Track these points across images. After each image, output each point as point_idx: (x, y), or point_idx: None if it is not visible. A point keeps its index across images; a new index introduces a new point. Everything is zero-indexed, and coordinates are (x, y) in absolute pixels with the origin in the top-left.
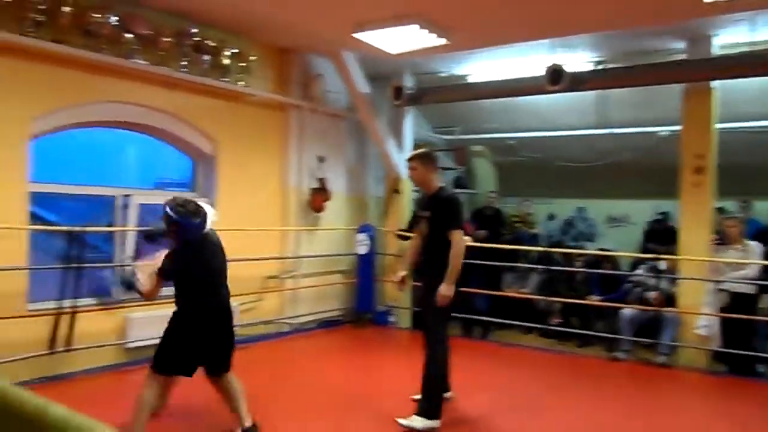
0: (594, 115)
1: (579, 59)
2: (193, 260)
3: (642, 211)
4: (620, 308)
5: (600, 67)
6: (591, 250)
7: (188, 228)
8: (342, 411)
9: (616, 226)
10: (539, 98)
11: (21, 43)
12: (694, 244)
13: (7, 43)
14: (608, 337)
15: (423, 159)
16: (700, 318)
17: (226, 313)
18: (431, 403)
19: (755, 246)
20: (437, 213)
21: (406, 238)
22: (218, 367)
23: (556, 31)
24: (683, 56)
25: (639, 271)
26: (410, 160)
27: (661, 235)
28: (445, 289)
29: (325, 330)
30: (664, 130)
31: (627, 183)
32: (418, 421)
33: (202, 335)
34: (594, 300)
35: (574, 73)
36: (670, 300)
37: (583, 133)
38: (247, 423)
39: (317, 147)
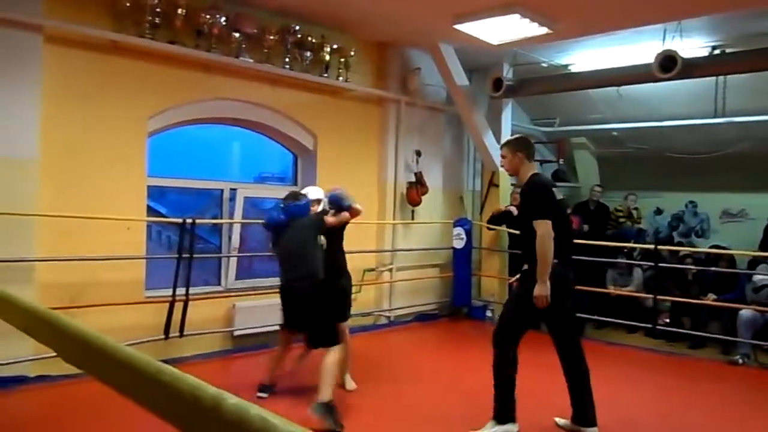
0: (709, 103)
1: (693, 44)
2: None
3: (763, 205)
4: (738, 309)
5: (717, 52)
6: (702, 247)
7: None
8: (436, 403)
9: (732, 221)
10: (647, 87)
11: (140, 45)
12: None
13: (128, 44)
14: (723, 339)
15: (513, 145)
16: None
17: (298, 291)
18: (498, 405)
19: None
20: (525, 203)
21: (493, 228)
22: (309, 341)
23: (669, 15)
24: None
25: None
26: (501, 147)
27: None
28: (538, 289)
29: (421, 323)
30: None
31: (745, 175)
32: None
33: (283, 306)
34: (710, 300)
35: (688, 59)
36: None
37: (696, 122)
38: (323, 398)
39: (415, 141)
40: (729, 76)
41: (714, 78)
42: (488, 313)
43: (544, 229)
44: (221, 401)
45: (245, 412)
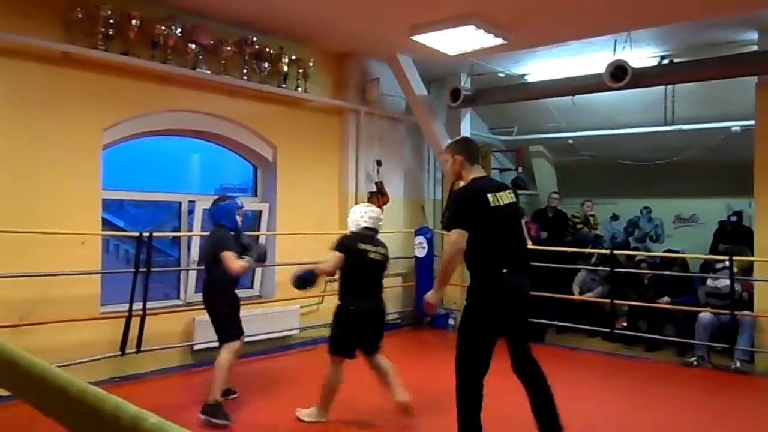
0: (659, 112)
1: (642, 54)
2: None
3: (711, 210)
4: (692, 312)
5: (665, 62)
6: (657, 252)
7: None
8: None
9: (684, 226)
10: (600, 96)
11: (92, 56)
12: None
13: (80, 56)
14: (679, 341)
15: (452, 148)
16: None
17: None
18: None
19: None
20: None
21: None
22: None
23: (619, 26)
24: (756, 48)
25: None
26: (444, 151)
27: (733, 236)
28: (429, 295)
29: (384, 333)
30: (736, 125)
31: (695, 181)
32: None
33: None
34: (665, 303)
35: (638, 69)
36: (745, 303)
37: (648, 130)
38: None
39: (375, 150)
40: (677, 86)
41: (663, 87)
42: (450, 321)
43: (453, 238)
44: (141, 421)
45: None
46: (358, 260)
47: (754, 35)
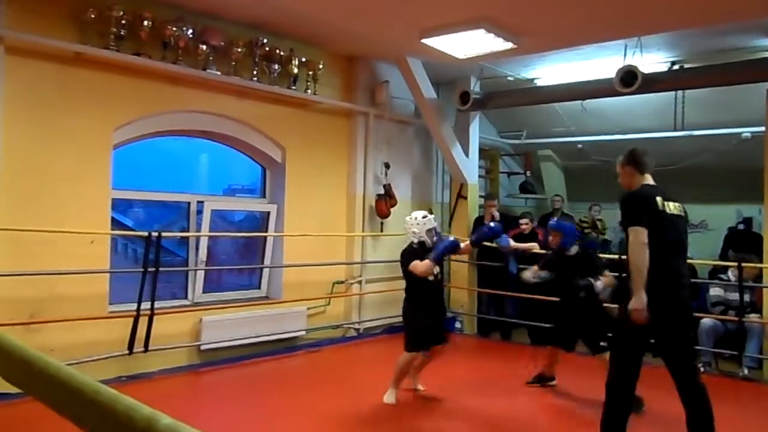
0: (669, 117)
1: (653, 60)
2: None
3: (721, 216)
4: (699, 318)
5: (676, 67)
6: None
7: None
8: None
9: (693, 232)
10: (610, 101)
11: (104, 57)
12: None
13: (92, 56)
14: None
15: (623, 162)
16: None
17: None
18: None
19: None
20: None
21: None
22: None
23: (630, 31)
24: (766, 54)
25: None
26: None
27: (743, 242)
28: (632, 302)
29: (391, 336)
30: (746, 131)
31: (704, 187)
32: None
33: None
34: None
35: (648, 74)
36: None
37: (658, 135)
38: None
39: (383, 153)
40: (687, 91)
41: (673, 92)
42: (457, 324)
43: (634, 236)
44: (154, 422)
45: None
46: None
47: (765, 41)
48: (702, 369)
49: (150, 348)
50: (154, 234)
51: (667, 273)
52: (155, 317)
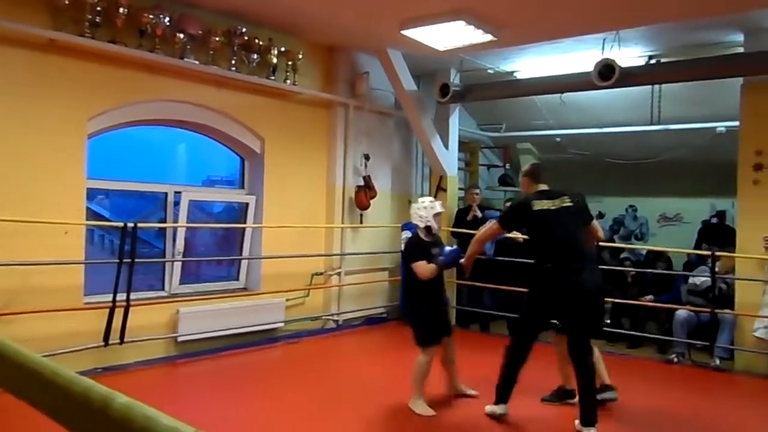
0: (647, 111)
1: (631, 54)
2: None
3: (696, 209)
4: (674, 309)
5: (653, 61)
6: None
7: None
8: (376, 404)
9: (669, 225)
10: (588, 95)
11: (79, 44)
12: (753, 243)
13: (67, 43)
14: (660, 339)
15: (523, 174)
16: (757, 320)
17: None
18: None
19: None
20: None
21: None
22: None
23: (608, 25)
24: (741, 49)
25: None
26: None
27: (716, 235)
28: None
29: (370, 327)
30: (721, 125)
31: (680, 181)
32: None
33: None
34: (648, 301)
35: (625, 68)
36: (727, 301)
37: (635, 129)
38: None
39: (363, 144)
40: (664, 86)
41: (650, 87)
42: None
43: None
44: (110, 401)
45: (131, 411)
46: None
47: (740, 37)
48: (675, 359)
49: (126, 339)
50: (130, 225)
51: (553, 260)
52: (131, 309)
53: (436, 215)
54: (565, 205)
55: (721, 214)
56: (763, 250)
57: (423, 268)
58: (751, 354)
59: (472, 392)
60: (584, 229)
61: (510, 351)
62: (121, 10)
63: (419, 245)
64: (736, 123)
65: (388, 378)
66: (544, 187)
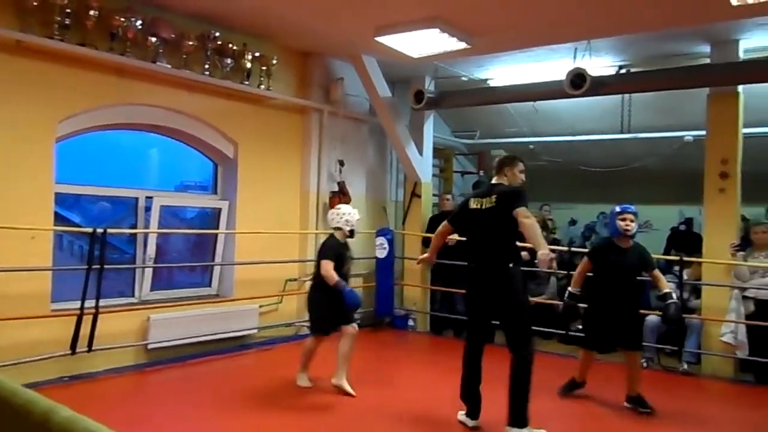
0: (617, 120)
1: (601, 63)
2: None
3: (665, 217)
4: (644, 315)
5: (623, 71)
6: None
7: None
8: (357, 412)
9: (639, 232)
10: (560, 103)
11: (47, 46)
12: (719, 250)
13: (35, 45)
14: None
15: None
16: (724, 325)
17: None
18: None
19: None
20: None
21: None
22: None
23: (579, 34)
24: (708, 60)
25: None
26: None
27: (685, 242)
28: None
29: None
30: (688, 135)
31: (650, 188)
32: None
33: None
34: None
35: (597, 77)
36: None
37: (605, 137)
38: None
39: (337, 150)
40: (634, 95)
41: (621, 96)
42: (410, 323)
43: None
44: (52, 414)
45: (72, 426)
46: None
47: (707, 48)
48: (644, 364)
49: (94, 347)
50: (99, 230)
51: (471, 260)
52: (100, 316)
53: (357, 221)
54: (488, 206)
55: (688, 221)
56: (730, 257)
57: (329, 271)
58: (717, 358)
59: (351, 391)
60: (505, 226)
61: (463, 354)
62: (91, 12)
63: (332, 247)
64: (703, 132)
65: (361, 383)
66: (495, 180)
